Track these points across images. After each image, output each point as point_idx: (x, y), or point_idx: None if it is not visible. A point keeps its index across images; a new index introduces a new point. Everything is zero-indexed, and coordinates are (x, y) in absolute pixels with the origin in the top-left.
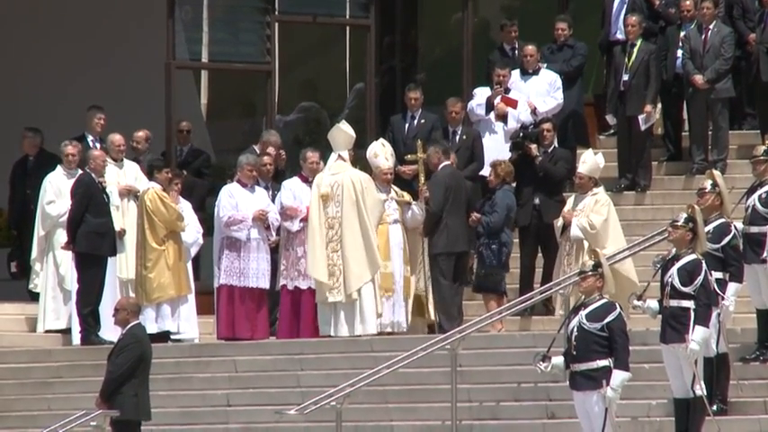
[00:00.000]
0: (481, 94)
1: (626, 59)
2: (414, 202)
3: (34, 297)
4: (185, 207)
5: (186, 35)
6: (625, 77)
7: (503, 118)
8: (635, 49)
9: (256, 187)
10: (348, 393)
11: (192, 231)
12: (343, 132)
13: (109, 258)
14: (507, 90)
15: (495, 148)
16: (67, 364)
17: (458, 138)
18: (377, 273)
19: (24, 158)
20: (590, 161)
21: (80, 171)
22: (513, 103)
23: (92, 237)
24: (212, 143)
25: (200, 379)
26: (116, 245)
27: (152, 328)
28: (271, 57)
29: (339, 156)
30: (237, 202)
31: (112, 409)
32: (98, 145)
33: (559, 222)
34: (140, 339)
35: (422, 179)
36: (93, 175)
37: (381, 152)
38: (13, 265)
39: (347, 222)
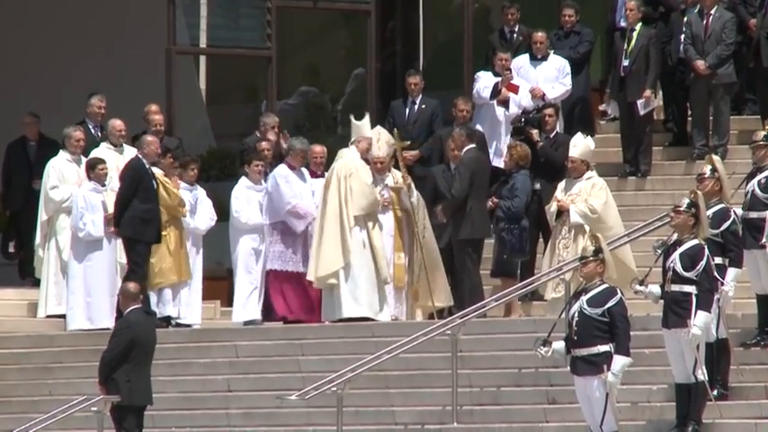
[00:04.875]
0: (485, 77)
1: (626, 45)
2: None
3: (35, 282)
4: (200, 193)
5: (186, 20)
6: (625, 63)
7: (504, 103)
8: (634, 34)
9: (303, 170)
10: (349, 379)
11: (206, 218)
12: (359, 128)
13: (111, 243)
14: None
15: (498, 133)
16: (68, 349)
17: None
18: (348, 261)
19: (21, 143)
20: (580, 145)
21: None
22: (515, 89)
23: (136, 222)
24: (213, 128)
25: (201, 364)
26: (161, 231)
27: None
28: (271, 42)
29: (354, 143)
30: (294, 187)
31: (110, 394)
32: (99, 131)
33: (552, 208)
34: (132, 325)
35: (401, 168)
36: (144, 159)
37: (374, 141)
38: (11, 245)
39: (329, 207)
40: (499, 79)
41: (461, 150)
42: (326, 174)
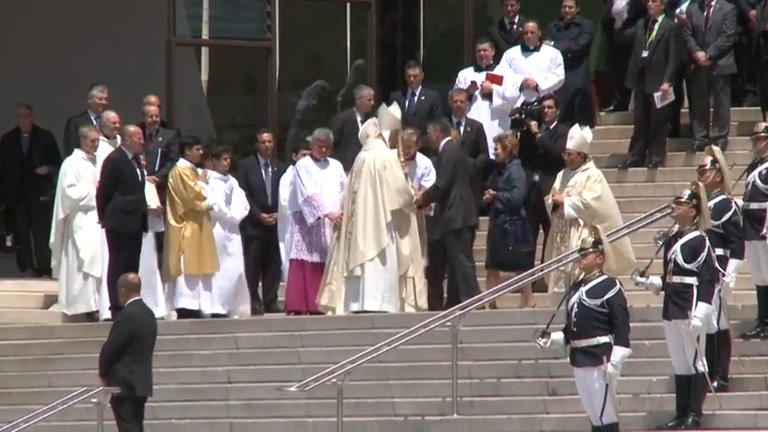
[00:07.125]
0: (463, 75)
1: (647, 35)
2: None
3: (35, 273)
4: (234, 183)
5: (187, 12)
6: (645, 54)
7: (488, 95)
8: (656, 26)
9: (329, 159)
10: (349, 370)
11: (240, 208)
12: (389, 114)
13: (146, 236)
14: (491, 66)
15: (486, 125)
16: (69, 340)
17: (462, 130)
18: (381, 251)
19: (14, 134)
20: (577, 136)
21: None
22: (498, 80)
23: (118, 214)
24: (213, 120)
25: (202, 356)
26: (147, 222)
27: (167, 305)
28: (271, 33)
29: (380, 135)
30: (315, 177)
31: (110, 386)
32: (101, 123)
33: (549, 200)
34: (131, 317)
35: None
36: (126, 151)
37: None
38: (8, 239)
39: (360, 197)
40: (470, 70)
41: (437, 145)
42: (356, 160)
